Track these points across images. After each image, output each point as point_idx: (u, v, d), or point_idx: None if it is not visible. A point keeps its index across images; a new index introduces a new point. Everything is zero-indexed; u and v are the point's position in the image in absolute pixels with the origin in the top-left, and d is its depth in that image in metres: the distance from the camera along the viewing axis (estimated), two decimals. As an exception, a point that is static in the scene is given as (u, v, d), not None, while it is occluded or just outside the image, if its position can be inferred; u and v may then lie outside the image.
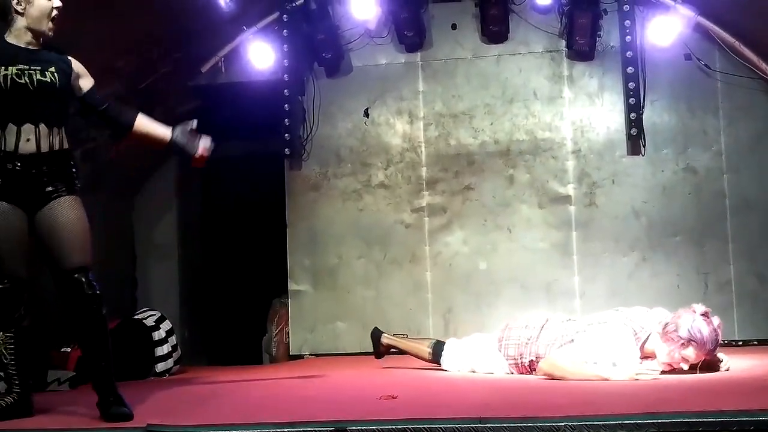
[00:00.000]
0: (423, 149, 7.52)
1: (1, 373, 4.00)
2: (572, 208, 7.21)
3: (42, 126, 3.77)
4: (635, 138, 7.07)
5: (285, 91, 7.53)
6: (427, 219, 7.46)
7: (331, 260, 7.58)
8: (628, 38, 6.99)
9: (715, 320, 4.43)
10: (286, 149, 7.55)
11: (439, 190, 7.46)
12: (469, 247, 7.37)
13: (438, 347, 5.50)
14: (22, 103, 3.73)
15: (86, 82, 3.99)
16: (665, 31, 6.86)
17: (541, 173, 7.30)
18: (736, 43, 6.80)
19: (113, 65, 6.54)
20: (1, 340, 3.80)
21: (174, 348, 6.61)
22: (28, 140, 3.74)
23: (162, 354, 6.46)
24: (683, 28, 6.84)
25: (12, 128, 3.73)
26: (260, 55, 7.39)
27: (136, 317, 6.71)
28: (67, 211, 3.80)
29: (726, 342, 6.54)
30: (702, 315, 4.39)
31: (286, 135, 7.53)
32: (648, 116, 7.09)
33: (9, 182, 3.74)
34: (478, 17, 7.37)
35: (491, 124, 7.41)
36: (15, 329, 3.83)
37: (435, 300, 7.37)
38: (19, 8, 3.77)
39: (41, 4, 3.80)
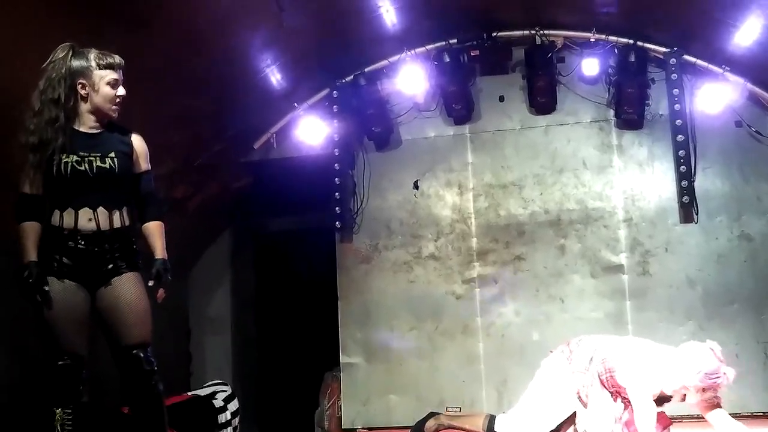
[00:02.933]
0: (473, 220, 7.54)
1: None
2: (625, 278, 7.14)
3: (101, 209, 3.84)
4: (687, 206, 7.01)
5: (335, 165, 7.65)
6: (478, 290, 7.44)
7: (383, 333, 7.57)
8: (677, 106, 6.99)
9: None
10: (337, 222, 7.63)
11: (490, 261, 7.45)
12: (522, 317, 7.32)
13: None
14: (81, 189, 3.80)
15: (142, 165, 4.04)
16: (714, 98, 6.85)
17: (593, 242, 7.26)
18: (787, 109, 6.77)
19: (168, 142, 6.71)
20: (59, 416, 3.79)
21: (235, 430, 6.58)
22: (89, 220, 3.81)
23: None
24: (733, 96, 6.82)
25: (71, 211, 3.81)
26: (311, 130, 7.53)
27: (206, 393, 6.67)
28: (128, 289, 3.84)
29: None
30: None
31: (337, 208, 7.62)
32: (700, 184, 7.04)
33: (72, 260, 3.80)
34: (525, 89, 7.45)
35: (541, 194, 7.41)
36: (73, 406, 3.82)
37: (488, 372, 7.29)
38: (83, 93, 3.86)
39: (106, 92, 3.88)
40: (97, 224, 3.82)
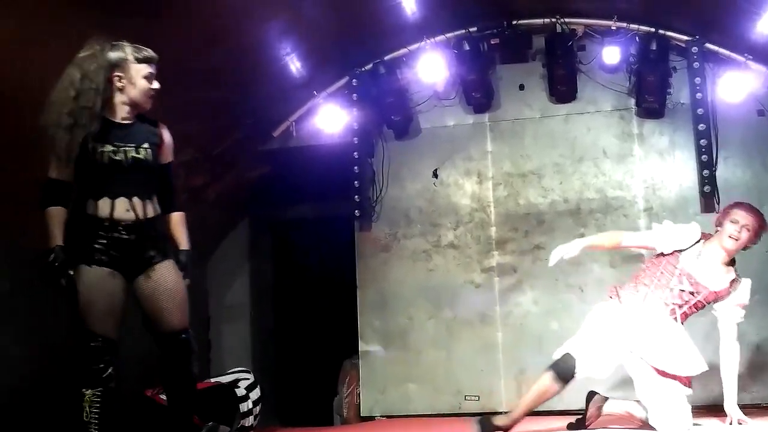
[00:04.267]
0: (492, 209, 7.52)
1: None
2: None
3: (136, 199, 3.94)
4: (709, 195, 6.96)
5: (355, 153, 7.65)
6: (497, 279, 7.43)
7: (401, 321, 7.57)
8: (698, 95, 6.93)
9: None
10: (356, 211, 7.64)
11: (509, 250, 7.43)
12: (540, 307, 7.30)
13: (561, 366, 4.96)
14: (117, 178, 3.91)
15: (168, 156, 4.19)
16: (737, 87, 6.78)
17: (613, 232, 7.21)
18: (811, 98, 6.70)
19: (186, 131, 6.71)
20: (89, 397, 3.87)
21: (256, 418, 6.61)
22: (127, 210, 3.91)
23: (245, 426, 6.46)
24: (755, 84, 6.76)
25: (107, 200, 3.90)
26: (330, 118, 7.53)
27: (228, 381, 6.69)
28: (167, 277, 4.00)
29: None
30: None
31: (356, 197, 7.62)
32: (721, 173, 6.98)
33: (112, 249, 3.89)
34: (545, 77, 7.41)
35: (561, 183, 7.39)
36: (102, 388, 3.90)
37: (506, 361, 7.28)
38: (119, 84, 3.96)
39: (142, 85, 4.00)
40: (135, 214, 3.93)
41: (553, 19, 7.13)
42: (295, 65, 7.09)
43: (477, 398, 7.26)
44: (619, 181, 7.29)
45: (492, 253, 7.47)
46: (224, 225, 8.36)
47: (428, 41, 7.35)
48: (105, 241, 3.89)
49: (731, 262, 5.10)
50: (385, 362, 7.55)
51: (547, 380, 4.94)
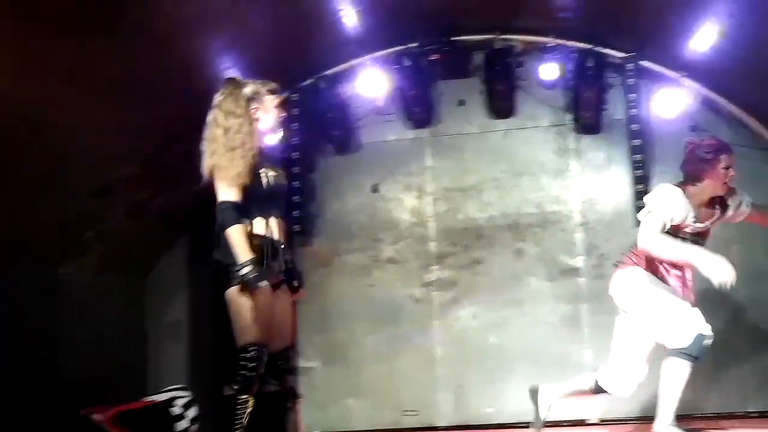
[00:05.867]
0: (432, 224, 7.55)
1: None
2: (582, 281, 7.18)
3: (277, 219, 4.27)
4: (643, 210, 7.05)
5: (295, 168, 7.61)
6: (436, 293, 7.45)
7: (341, 336, 7.54)
8: (633, 111, 7.07)
9: None
10: (296, 226, 7.59)
11: (449, 265, 7.46)
12: (479, 321, 7.34)
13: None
14: (270, 199, 4.25)
15: None
16: (671, 103, 6.93)
17: (550, 246, 7.31)
18: (742, 114, 6.87)
19: (129, 147, 6.67)
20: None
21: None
22: (273, 229, 4.22)
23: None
24: (689, 101, 6.91)
25: (261, 219, 4.18)
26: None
27: (163, 399, 6.53)
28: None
29: (740, 414, 6.47)
30: None
31: (296, 212, 7.58)
32: (656, 188, 7.10)
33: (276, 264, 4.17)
34: (485, 93, 7.49)
35: (500, 198, 7.47)
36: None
37: (445, 375, 7.30)
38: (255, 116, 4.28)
39: (275, 114, 4.38)
40: (278, 233, 4.23)
41: (493, 36, 7.23)
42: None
43: (416, 413, 7.25)
44: (556, 195, 7.38)
45: (432, 267, 7.50)
46: (164, 240, 8.23)
47: (369, 57, 7.37)
48: (273, 257, 4.13)
49: None
50: (325, 378, 7.50)
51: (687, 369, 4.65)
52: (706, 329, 4.59)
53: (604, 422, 6.75)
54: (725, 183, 4.86)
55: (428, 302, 7.45)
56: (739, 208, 5.05)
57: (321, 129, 7.65)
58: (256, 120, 4.24)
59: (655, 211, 4.88)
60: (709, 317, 4.66)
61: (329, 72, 7.52)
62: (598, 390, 5.14)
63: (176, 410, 6.39)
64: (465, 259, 7.43)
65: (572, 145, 7.39)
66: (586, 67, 6.97)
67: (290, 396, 4.47)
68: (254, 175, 4.13)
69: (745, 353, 6.87)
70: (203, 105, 6.93)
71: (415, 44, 7.31)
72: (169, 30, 5.80)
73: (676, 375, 4.62)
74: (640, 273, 5.00)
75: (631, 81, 7.05)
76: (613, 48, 7.09)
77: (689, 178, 4.97)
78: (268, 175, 4.21)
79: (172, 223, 8.18)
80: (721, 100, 6.94)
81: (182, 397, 6.59)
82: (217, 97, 4.30)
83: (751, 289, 6.86)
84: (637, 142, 7.08)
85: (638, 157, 7.07)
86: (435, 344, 7.38)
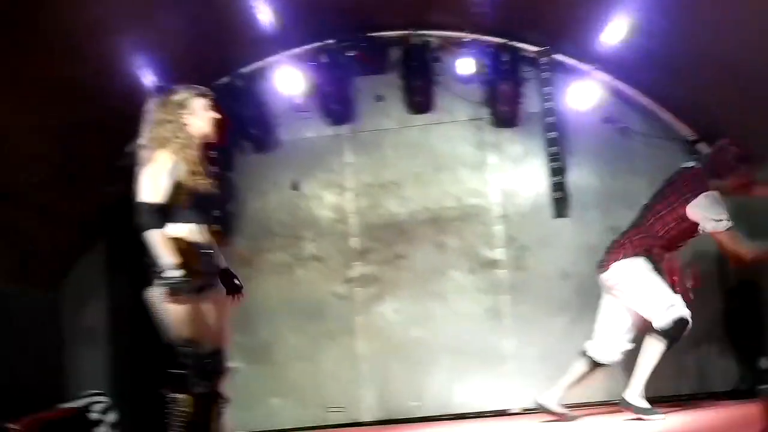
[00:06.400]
0: (353, 220, 7.55)
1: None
2: (502, 272, 7.27)
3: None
4: (560, 201, 7.22)
5: (213, 167, 7.49)
6: (359, 289, 7.44)
7: (264, 335, 7.47)
8: (548, 104, 7.19)
9: None
10: (216, 226, 7.48)
11: (371, 260, 7.47)
12: (403, 315, 7.36)
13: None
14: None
15: None
16: (584, 96, 7.08)
17: (471, 239, 7.38)
18: (652, 105, 7.05)
19: (41, 150, 6.50)
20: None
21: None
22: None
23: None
24: (601, 93, 7.06)
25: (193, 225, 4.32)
26: (187, 131, 7.37)
27: (80, 406, 6.40)
28: None
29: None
30: None
31: (216, 211, 7.47)
32: (572, 179, 7.26)
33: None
34: (403, 89, 7.51)
35: (420, 192, 7.50)
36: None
37: (369, 371, 7.31)
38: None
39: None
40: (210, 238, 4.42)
41: (409, 32, 7.27)
42: (149, 79, 6.91)
43: (341, 409, 7.23)
44: (476, 189, 7.46)
45: (354, 263, 7.49)
46: (79, 245, 8.04)
47: (286, 53, 7.34)
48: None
49: None
50: (249, 378, 7.40)
51: (662, 350, 5.28)
52: (686, 312, 5.20)
53: (526, 411, 6.82)
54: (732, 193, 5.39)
55: (351, 298, 7.44)
56: None
57: (239, 127, 7.55)
58: (187, 125, 4.37)
59: (724, 217, 5.25)
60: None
61: (246, 70, 7.46)
62: (592, 366, 5.62)
63: (95, 416, 6.30)
64: (387, 254, 7.45)
65: (490, 138, 7.47)
66: (502, 61, 7.08)
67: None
68: (187, 180, 4.26)
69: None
70: (118, 105, 6.85)
71: (331, 41, 7.31)
72: (82, 30, 5.68)
73: (654, 352, 5.23)
74: (640, 262, 5.41)
75: (545, 74, 7.18)
76: (527, 42, 7.21)
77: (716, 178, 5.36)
78: (199, 182, 4.35)
79: (88, 226, 8.00)
80: (634, 92, 7.11)
81: (100, 402, 6.49)
82: (149, 107, 4.44)
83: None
84: (552, 134, 7.21)
85: (554, 149, 7.20)
86: (358, 340, 7.36)
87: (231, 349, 7.25)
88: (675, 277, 5.46)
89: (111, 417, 6.47)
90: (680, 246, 5.52)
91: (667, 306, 5.18)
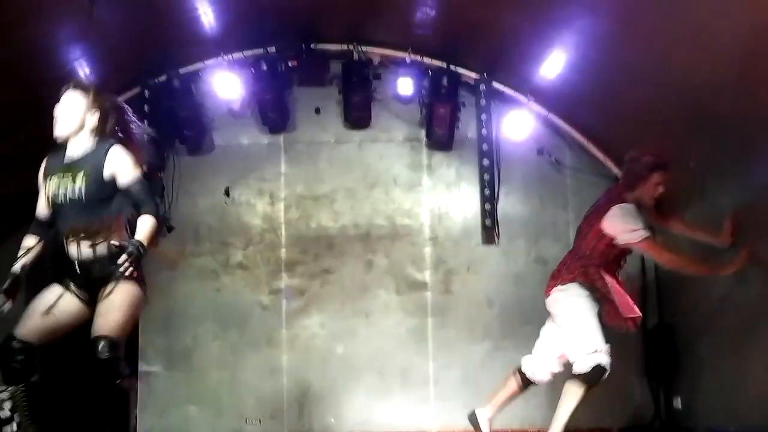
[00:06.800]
0: (283, 230, 7.51)
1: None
2: (428, 295, 7.31)
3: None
4: (489, 228, 7.29)
5: (143, 166, 7.36)
6: (284, 301, 7.40)
7: (185, 341, 7.37)
8: (484, 131, 7.25)
9: None
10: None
11: (298, 273, 7.43)
12: (327, 330, 7.35)
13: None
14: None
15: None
16: (519, 125, 7.16)
17: (400, 259, 7.40)
18: (584, 141, 7.17)
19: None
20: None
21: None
22: None
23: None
24: (536, 124, 7.17)
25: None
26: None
27: None
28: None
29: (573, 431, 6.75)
30: None
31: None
32: (502, 207, 7.34)
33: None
34: (341, 103, 7.49)
35: (352, 208, 7.49)
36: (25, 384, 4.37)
37: (291, 384, 7.27)
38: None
39: None
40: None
41: (351, 46, 7.24)
42: (83, 71, 6.75)
43: (259, 422, 7.20)
44: (408, 209, 7.48)
45: (281, 274, 7.45)
46: (3, 233, 7.83)
47: (226, 57, 7.22)
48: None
49: None
50: (166, 383, 7.32)
51: (582, 394, 5.17)
52: (605, 360, 5.10)
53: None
54: (652, 199, 5.27)
55: (276, 310, 7.39)
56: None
57: (173, 127, 7.43)
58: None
59: (639, 227, 5.13)
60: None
61: (183, 70, 7.31)
62: (525, 384, 5.53)
63: (4, 413, 6.13)
64: (315, 267, 7.42)
65: (425, 160, 7.51)
66: (441, 84, 7.09)
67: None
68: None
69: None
70: (45, 92, 6.68)
71: (272, 48, 7.23)
72: (13, 15, 5.50)
73: (573, 396, 5.15)
74: (574, 289, 5.31)
75: (482, 101, 7.24)
76: (467, 68, 7.26)
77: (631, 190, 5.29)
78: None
79: (12, 212, 7.80)
80: (566, 126, 7.21)
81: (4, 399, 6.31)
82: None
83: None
84: (486, 162, 7.29)
85: (486, 176, 7.28)
86: (281, 352, 7.33)
87: (148, 352, 7.25)
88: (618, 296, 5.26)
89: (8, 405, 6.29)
90: (614, 262, 5.37)
91: (590, 351, 5.12)
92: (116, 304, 4.29)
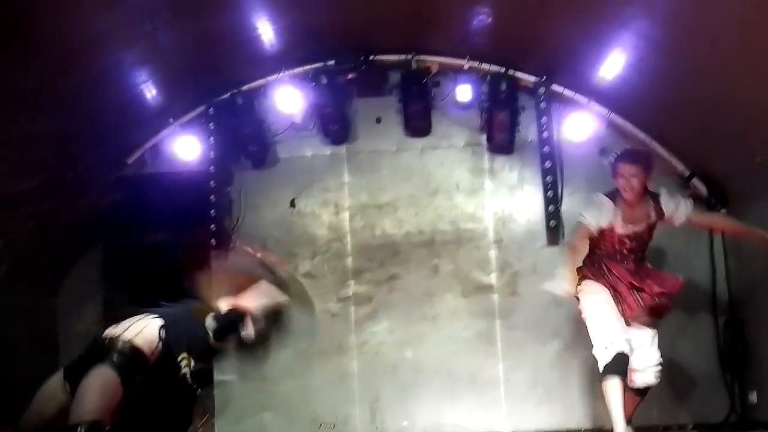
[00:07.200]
0: (348, 239, 7.62)
1: None
2: (495, 297, 7.35)
3: None
4: (554, 229, 7.29)
5: (211, 182, 7.58)
6: (353, 308, 7.53)
7: (258, 350, 7.52)
8: (545, 134, 7.26)
9: None
10: (213, 240, 7.57)
11: (365, 280, 7.55)
12: (395, 336, 7.45)
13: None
14: None
15: None
16: (580, 127, 7.15)
17: (465, 263, 7.46)
18: (648, 139, 7.12)
19: (36, 159, 6.54)
20: None
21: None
22: None
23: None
24: (597, 125, 7.14)
25: None
26: (186, 147, 7.44)
27: None
28: None
29: (647, 427, 6.78)
30: None
31: (212, 226, 7.56)
32: (566, 208, 7.31)
33: None
34: (401, 112, 7.57)
35: (415, 215, 7.57)
36: None
37: (361, 390, 7.40)
38: None
39: None
40: None
41: (409, 56, 7.31)
42: (150, 92, 6.97)
43: (332, 426, 7.33)
44: (471, 213, 7.53)
45: (348, 282, 7.57)
46: (76, 252, 8.11)
47: (286, 73, 7.38)
48: None
49: (645, 192, 5.64)
50: (241, 392, 7.51)
51: (617, 384, 5.28)
52: (623, 346, 5.27)
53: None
54: (626, 190, 5.51)
55: (344, 317, 7.52)
56: (678, 211, 5.60)
57: (237, 143, 7.62)
58: None
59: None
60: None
61: (246, 87, 7.49)
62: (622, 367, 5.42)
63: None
64: (381, 274, 7.53)
65: (486, 164, 7.55)
66: (500, 90, 7.13)
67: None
68: None
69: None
70: (115, 117, 6.91)
71: (332, 62, 7.34)
72: (80, 43, 5.70)
73: (610, 392, 5.27)
74: (587, 285, 5.66)
75: (542, 105, 7.24)
76: (525, 72, 7.25)
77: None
78: None
79: (84, 233, 8.07)
80: (630, 126, 7.16)
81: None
82: None
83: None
84: (548, 164, 7.29)
85: (549, 178, 7.28)
86: (351, 358, 7.46)
87: (222, 362, 7.44)
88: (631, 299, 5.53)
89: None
90: (616, 252, 5.63)
91: (604, 346, 5.32)
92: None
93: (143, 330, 4.72)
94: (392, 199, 7.61)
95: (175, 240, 8.28)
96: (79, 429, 4.10)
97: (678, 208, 5.63)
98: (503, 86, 7.12)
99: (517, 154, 7.47)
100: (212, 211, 7.57)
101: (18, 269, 7.02)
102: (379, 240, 7.58)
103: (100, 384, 4.32)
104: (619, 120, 7.17)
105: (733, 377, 6.99)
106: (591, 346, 5.79)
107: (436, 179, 7.59)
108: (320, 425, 7.37)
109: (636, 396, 5.71)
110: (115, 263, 8.52)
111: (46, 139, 6.46)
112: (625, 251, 5.63)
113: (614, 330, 5.35)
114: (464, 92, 7.24)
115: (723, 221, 6.25)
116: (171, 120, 7.50)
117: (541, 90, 7.23)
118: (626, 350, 5.30)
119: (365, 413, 7.37)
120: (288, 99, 7.35)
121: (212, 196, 7.58)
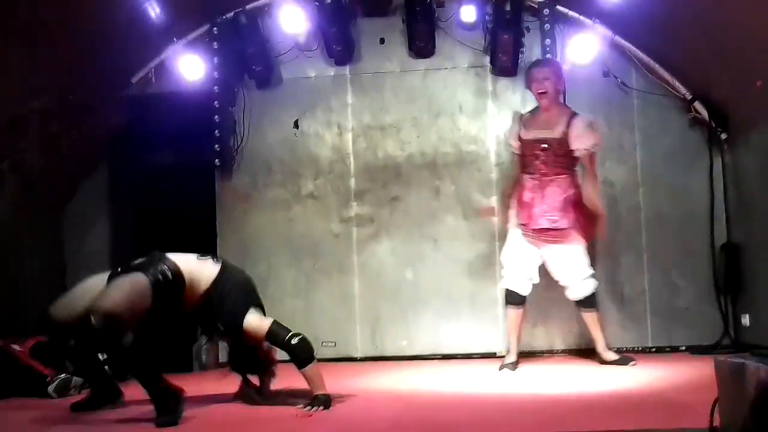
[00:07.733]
0: (351, 160, 7.66)
1: None
2: (495, 220, 7.39)
3: None
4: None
5: (215, 102, 7.60)
6: (355, 229, 7.60)
7: (260, 270, 7.60)
8: (549, 56, 7.19)
9: None
10: (217, 160, 7.62)
11: (368, 201, 7.60)
12: (396, 257, 7.53)
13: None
14: None
15: None
16: (584, 49, 7.09)
17: (466, 185, 7.49)
18: (651, 62, 7.08)
19: (41, 81, 6.57)
20: None
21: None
22: None
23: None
24: (601, 47, 7.09)
25: None
26: (190, 66, 7.44)
27: None
28: None
29: (641, 349, 6.89)
30: None
31: (217, 146, 7.60)
32: (568, 131, 7.29)
33: None
34: (405, 33, 7.52)
35: (418, 136, 7.58)
36: None
37: (362, 310, 7.51)
38: None
39: None
40: None
41: (413, -24, 7.23)
42: (154, 11, 6.94)
43: (333, 344, 7.47)
44: (473, 135, 7.54)
45: (351, 203, 7.63)
46: (82, 172, 8.18)
47: (290, -8, 7.32)
48: None
49: (566, 110, 6.32)
50: (245, 311, 7.60)
51: (510, 313, 6.40)
52: (508, 283, 6.32)
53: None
54: (540, 93, 6.20)
55: (347, 237, 7.60)
56: (580, 139, 6.14)
57: (242, 64, 7.61)
58: None
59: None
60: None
61: (250, 6, 7.47)
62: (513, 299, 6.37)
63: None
64: (384, 195, 7.58)
65: (490, 86, 7.52)
66: (504, 10, 7.04)
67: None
68: None
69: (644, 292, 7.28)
70: (119, 36, 6.91)
71: (336, -19, 7.28)
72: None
73: (590, 319, 6.32)
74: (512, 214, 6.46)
75: (546, 26, 7.18)
76: (530, -9, 7.19)
77: None
78: None
79: (90, 153, 8.12)
80: (633, 48, 7.12)
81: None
82: None
83: (653, 231, 7.23)
84: (552, 85, 7.23)
85: (553, 100, 7.23)
86: (353, 278, 7.56)
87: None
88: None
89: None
90: (526, 163, 6.30)
91: (583, 277, 6.18)
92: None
93: (196, 267, 4.79)
94: (395, 121, 7.61)
95: (180, 159, 8.35)
96: (92, 316, 4.23)
97: (581, 137, 6.07)
98: (508, 6, 7.03)
99: (520, 76, 7.38)
100: (216, 131, 7.61)
101: (25, 189, 7.11)
102: (381, 161, 7.61)
103: (129, 285, 4.46)
104: (623, 42, 7.11)
105: (726, 301, 7.05)
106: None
107: (439, 101, 7.57)
108: (321, 343, 7.50)
109: (583, 313, 6.31)
110: (120, 183, 8.59)
111: (49, 62, 6.49)
112: (537, 163, 6.14)
113: (507, 268, 6.30)
114: (468, 13, 7.18)
115: (593, 188, 6.29)
116: (175, 39, 7.48)
117: (546, 11, 7.17)
118: (511, 286, 6.27)
119: (366, 332, 7.50)
120: (292, 19, 7.31)
121: (216, 117, 7.61)
